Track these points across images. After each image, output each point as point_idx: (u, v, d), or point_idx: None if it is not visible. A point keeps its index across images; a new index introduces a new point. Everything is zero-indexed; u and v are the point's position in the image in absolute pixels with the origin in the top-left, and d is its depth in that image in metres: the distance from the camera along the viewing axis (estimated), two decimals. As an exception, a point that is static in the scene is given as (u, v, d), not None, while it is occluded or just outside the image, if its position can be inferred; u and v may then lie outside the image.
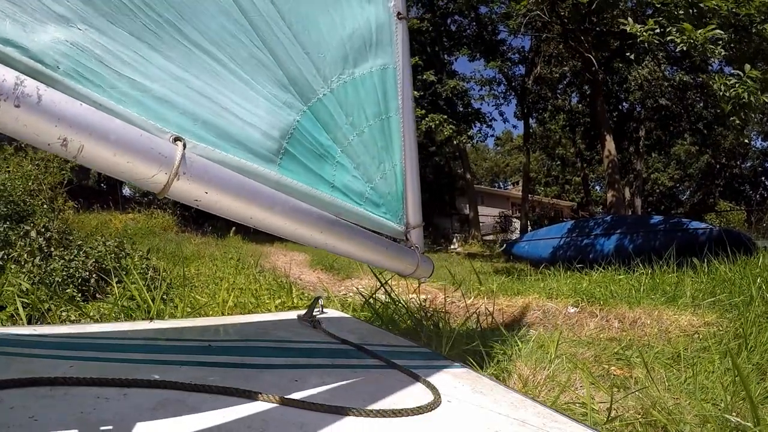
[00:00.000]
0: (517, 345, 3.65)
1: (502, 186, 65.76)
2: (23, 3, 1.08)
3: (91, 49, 1.18)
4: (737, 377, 3.19)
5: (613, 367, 3.75)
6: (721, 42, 8.17)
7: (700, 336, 4.74)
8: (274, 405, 1.28)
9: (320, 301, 2.60)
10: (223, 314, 4.53)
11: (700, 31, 8.09)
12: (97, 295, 5.18)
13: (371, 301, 4.69)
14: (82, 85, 1.15)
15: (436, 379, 1.69)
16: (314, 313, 2.39)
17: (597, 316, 5.84)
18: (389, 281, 4.98)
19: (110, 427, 1.05)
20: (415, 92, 26.45)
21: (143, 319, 3.38)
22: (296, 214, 1.53)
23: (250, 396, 1.30)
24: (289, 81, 1.65)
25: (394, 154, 2.12)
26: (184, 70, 1.37)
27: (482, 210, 34.74)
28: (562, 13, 21.53)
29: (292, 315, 2.56)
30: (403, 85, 2.20)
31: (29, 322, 3.56)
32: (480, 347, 3.45)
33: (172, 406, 1.19)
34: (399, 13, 2.25)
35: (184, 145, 1.25)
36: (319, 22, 1.80)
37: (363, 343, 2.06)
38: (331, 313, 2.82)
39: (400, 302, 4.45)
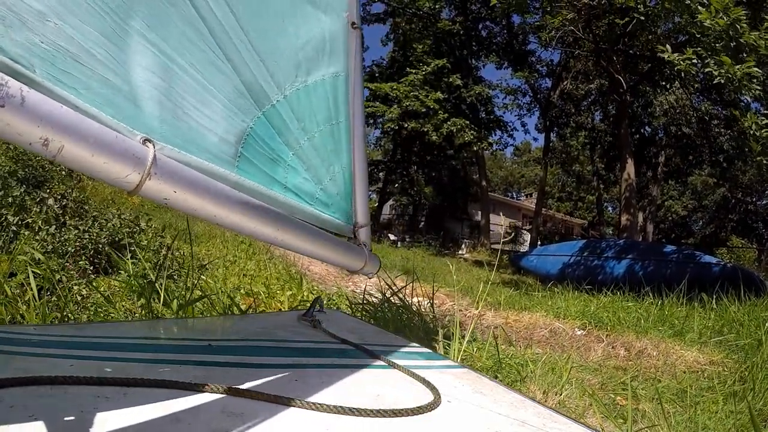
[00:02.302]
0: (528, 365, 3.65)
1: (515, 196, 65.60)
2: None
3: (65, 47, 1.20)
4: (740, 420, 3.18)
5: (618, 397, 3.74)
6: (756, 80, 8.11)
7: (705, 374, 4.71)
8: (274, 404, 1.26)
9: (320, 301, 2.61)
10: (234, 301, 4.54)
11: (738, 66, 8.03)
12: (109, 270, 5.17)
13: (379, 303, 4.69)
14: (58, 87, 1.16)
15: (436, 379, 1.67)
16: (314, 313, 2.40)
17: (604, 341, 5.82)
18: (393, 283, 4.99)
19: (110, 427, 1.04)
20: (440, 94, 26.52)
21: (146, 314, 3.38)
22: (255, 213, 1.59)
23: (250, 395, 1.29)
24: (245, 87, 1.70)
25: (343, 158, 2.20)
26: (151, 73, 1.41)
27: (494, 218, 34.68)
28: (597, 32, 21.45)
29: (292, 315, 2.54)
30: (354, 92, 2.27)
31: (39, 293, 3.55)
32: (491, 363, 3.45)
33: (172, 406, 1.18)
34: (353, 23, 2.29)
35: (154, 147, 1.28)
36: (275, 31, 1.86)
37: (363, 343, 2.04)
38: (331, 312, 2.81)
39: (412, 307, 4.44)
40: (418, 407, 1.38)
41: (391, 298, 4.69)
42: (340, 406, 1.29)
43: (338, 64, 2.19)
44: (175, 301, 3.59)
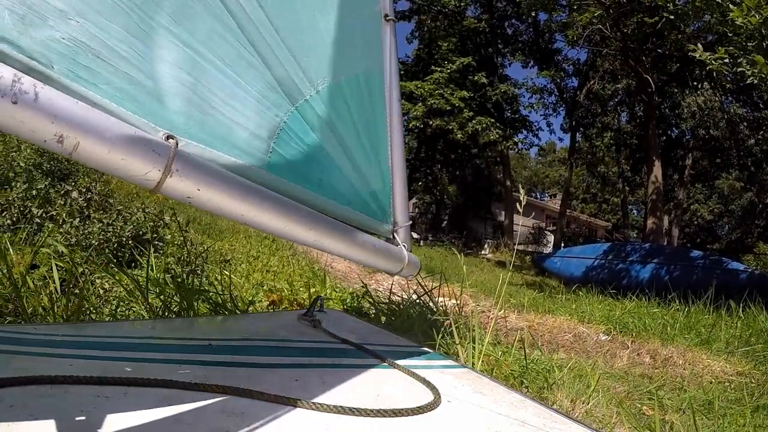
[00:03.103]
0: (554, 371, 3.59)
1: (538, 197, 65.27)
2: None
3: (87, 44, 1.17)
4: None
5: (645, 407, 3.67)
6: (790, 81, 7.98)
7: (733, 386, 4.62)
8: (275, 404, 1.27)
9: (320, 301, 2.60)
10: (256, 297, 4.53)
11: (772, 66, 7.89)
12: (132, 264, 5.17)
13: (403, 303, 4.65)
14: (77, 83, 1.14)
15: (436, 379, 1.68)
16: (314, 313, 2.38)
17: (629, 348, 5.74)
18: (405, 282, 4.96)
19: (110, 426, 1.04)
20: (465, 93, 26.46)
21: (147, 315, 3.37)
22: (285, 212, 1.54)
23: (251, 395, 1.29)
24: (276, 82, 1.65)
25: (380, 154, 2.15)
26: (178, 68, 1.37)
27: (517, 219, 34.50)
28: (625, 30, 21.22)
29: (293, 315, 2.54)
30: (390, 86, 2.22)
31: (62, 285, 3.56)
32: (517, 367, 3.41)
33: (172, 406, 1.18)
34: (386, 15, 2.27)
35: (177, 143, 1.24)
36: (306, 25, 1.81)
37: (363, 342, 2.05)
38: (332, 312, 2.81)
39: (437, 308, 4.41)
40: (418, 407, 1.39)
41: (417, 298, 4.66)
42: (341, 406, 1.29)
43: (372, 58, 2.16)
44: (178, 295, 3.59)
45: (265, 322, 2.48)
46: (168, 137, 1.25)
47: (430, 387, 1.59)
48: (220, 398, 1.26)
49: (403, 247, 2.16)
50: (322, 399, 1.35)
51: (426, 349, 2.30)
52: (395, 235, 2.18)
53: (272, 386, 1.39)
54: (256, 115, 1.58)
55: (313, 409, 1.27)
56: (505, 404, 1.58)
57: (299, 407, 1.27)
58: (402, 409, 1.35)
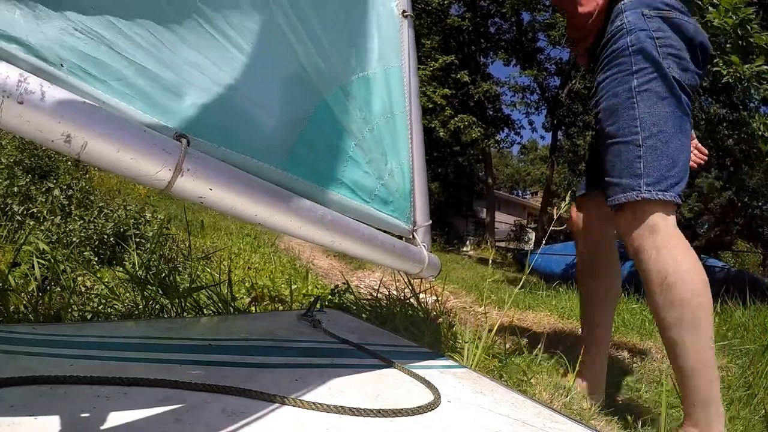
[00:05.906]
0: (534, 366, 3.63)
1: (520, 194, 65.47)
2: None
3: (101, 34, 1.16)
4: (745, 427, 3.16)
5: (621, 400, 3.72)
6: (765, 81, 8.06)
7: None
8: (274, 404, 1.26)
9: (320, 301, 2.59)
10: (237, 294, 4.52)
11: (747, 66, 7.98)
12: (114, 261, 5.14)
13: (386, 299, 4.67)
14: (87, 82, 1.13)
15: (436, 379, 1.68)
16: (314, 313, 2.37)
17: (607, 343, 5.80)
18: (399, 277, 4.96)
19: (110, 426, 1.04)
20: (447, 90, 26.42)
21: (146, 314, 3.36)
22: (302, 212, 1.51)
23: (250, 395, 1.29)
24: (300, 77, 1.64)
25: (400, 152, 2.13)
26: (194, 65, 1.36)
27: (498, 216, 34.61)
28: (606, 31, 21.36)
29: (292, 314, 2.52)
30: (409, 84, 2.21)
31: (44, 283, 3.53)
32: (497, 362, 3.43)
33: (172, 405, 1.18)
34: (404, 12, 2.24)
35: (188, 142, 1.23)
36: (328, 19, 1.79)
37: (363, 342, 2.04)
38: (331, 312, 2.78)
39: (421, 305, 4.42)
40: (418, 407, 1.39)
41: (399, 295, 4.67)
42: (340, 406, 1.29)
43: (391, 54, 2.14)
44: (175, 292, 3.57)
45: (264, 321, 2.44)
46: (179, 136, 1.25)
47: (430, 387, 1.60)
48: (220, 398, 1.26)
49: (423, 248, 2.14)
50: (322, 399, 1.35)
51: (426, 349, 2.30)
52: (415, 235, 2.16)
53: (272, 386, 1.40)
54: (278, 110, 1.57)
55: (312, 409, 1.27)
56: (505, 404, 1.59)
57: (299, 407, 1.27)
58: (402, 409, 1.36)
